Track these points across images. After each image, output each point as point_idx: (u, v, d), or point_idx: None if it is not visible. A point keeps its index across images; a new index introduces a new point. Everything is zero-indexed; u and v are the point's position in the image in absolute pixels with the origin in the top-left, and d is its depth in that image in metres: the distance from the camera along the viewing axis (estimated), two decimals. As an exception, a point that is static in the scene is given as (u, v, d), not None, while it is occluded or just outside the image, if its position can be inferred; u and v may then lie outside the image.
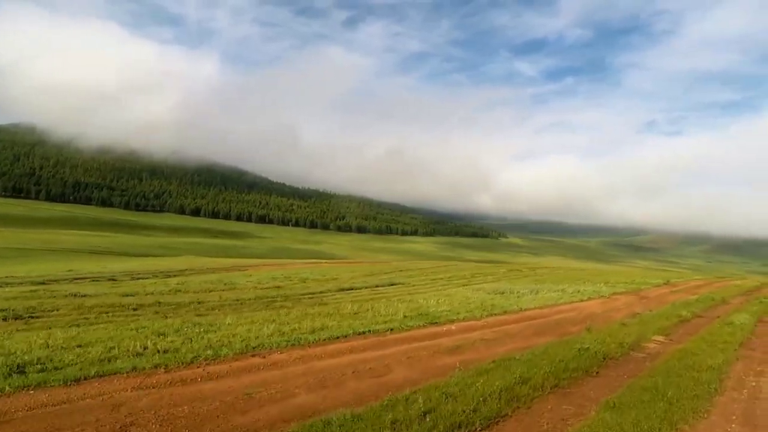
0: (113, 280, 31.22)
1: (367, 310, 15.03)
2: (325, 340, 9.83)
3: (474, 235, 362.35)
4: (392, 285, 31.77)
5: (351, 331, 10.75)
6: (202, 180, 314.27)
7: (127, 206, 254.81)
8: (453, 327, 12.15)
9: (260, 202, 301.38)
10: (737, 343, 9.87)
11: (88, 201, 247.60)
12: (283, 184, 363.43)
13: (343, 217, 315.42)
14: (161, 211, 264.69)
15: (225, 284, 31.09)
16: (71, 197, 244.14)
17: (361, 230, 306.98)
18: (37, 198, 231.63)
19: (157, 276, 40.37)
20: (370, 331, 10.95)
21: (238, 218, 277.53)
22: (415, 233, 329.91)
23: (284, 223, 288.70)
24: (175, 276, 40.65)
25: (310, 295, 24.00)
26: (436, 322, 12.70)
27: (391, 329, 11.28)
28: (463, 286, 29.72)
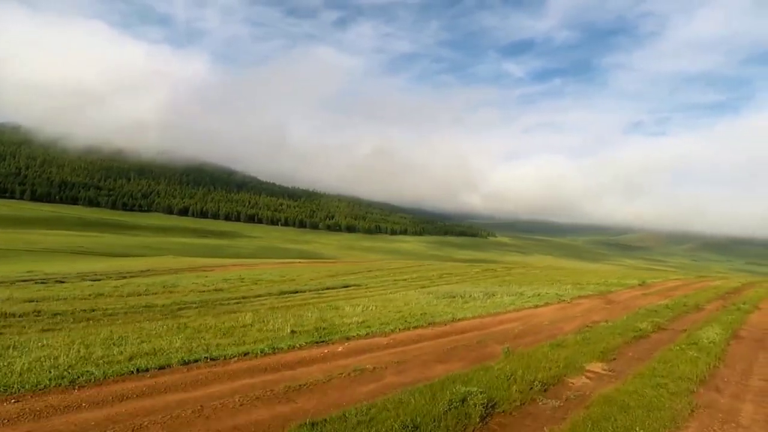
0: (62, 282, 28.85)
1: (265, 321, 12.13)
2: (127, 373, 6.91)
3: (463, 234, 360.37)
4: (345, 287, 28.88)
5: (189, 358, 7.85)
6: (191, 180, 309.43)
7: (114, 206, 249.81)
8: (341, 348, 9.25)
9: (249, 202, 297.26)
10: (698, 378, 7.06)
11: (74, 201, 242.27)
12: (273, 184, 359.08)
13: (333, 217, 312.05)
14: (149, 210, 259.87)
15: (164, 287, 28.15)
16: (57, 197, 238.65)
17: (350, 230, 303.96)
18: (22, 198, 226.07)
19: (110, 277, 37.66)
20: (215, 357, 8.03)
21: (227, 218, 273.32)
22: (404, 232, 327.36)
23: (274, 222, 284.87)
24: (131, 277, 37.81)
25: (236, 300, 21.01)
26: (328, 340, 9.82)
27: (246, 353, 8.35)
28: (421, 287, 26.86)
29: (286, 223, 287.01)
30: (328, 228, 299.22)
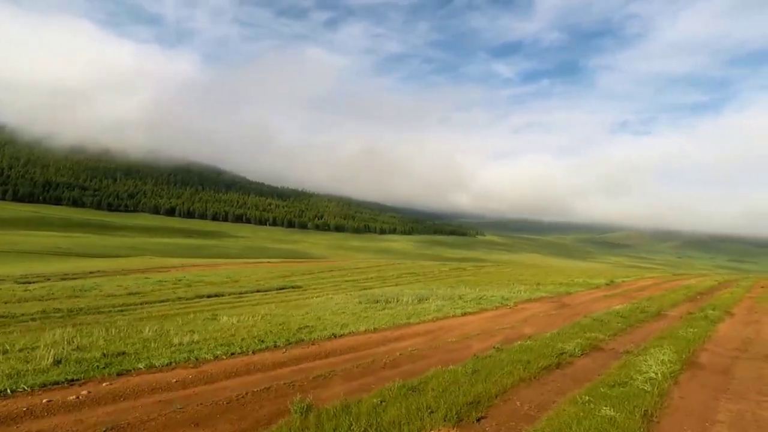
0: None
1: (53, 342, 8.78)
2: None
3: (452, 233, 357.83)
4: (281, 289, 25.54)
5: None
6: (179, 180, 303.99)
7: (99, 206, 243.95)
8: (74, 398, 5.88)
9: (237, 202, 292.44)
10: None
11: (58, 201, 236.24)
12: (262, 184, 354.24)
13: (322, 217, 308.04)
14: (135, 211, 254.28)
15: (76, 291, 24.84)
16: (40, 197, 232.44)
17: (339, 229, 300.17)
18: (3, 198, 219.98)
19: (49, 279, 35.11)
20: None
21: (214, 218, 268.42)
22: (393, 232, 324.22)
23: (262, 222, 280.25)
24: (67, 279, 34.91)
25: (124, 307, 17.57)
26: (82, 379, 6.49)
27: None
28: (363, 289, 23.52)
29: (274, 223, 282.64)
30: (317, 228, 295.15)
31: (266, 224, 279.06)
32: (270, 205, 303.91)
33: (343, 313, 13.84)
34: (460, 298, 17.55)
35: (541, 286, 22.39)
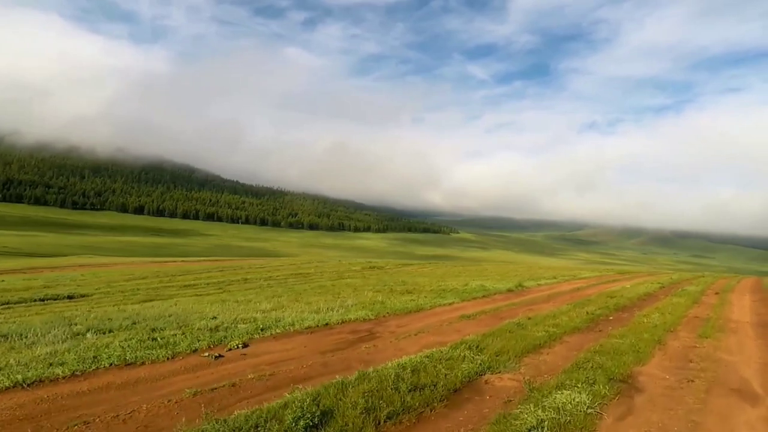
0: None
1: None
2: None
3: (426, 231, 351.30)
4: (43, 301, 17.00)
5: None
6: (150, 178, 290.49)
7: (63, 204, 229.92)
8: None
9: (210, 200, 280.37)
10: None
11: (19, 199, 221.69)
12: (236, 182, 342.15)
13: (296, 215, 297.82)
14: (101, 209, 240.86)
15: None
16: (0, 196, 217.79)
17: (313, 227, 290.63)
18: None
19: None
20: None
21: (185, 216, 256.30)
22: (368, 230, 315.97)
23: (234, 220, 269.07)
24: None
25: None
26: None
27: None
28: (199, 296, 15.30)
29: (246, 221, 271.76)
30: (290, 226, 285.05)
31: (238, 222, 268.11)
32: (243, 203, 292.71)
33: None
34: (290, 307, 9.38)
35: (392, 297, 14.44)
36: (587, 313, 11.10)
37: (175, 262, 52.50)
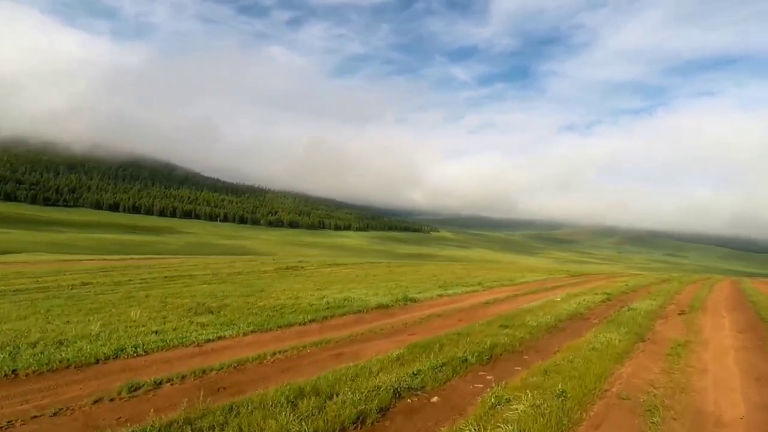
0: None
1: None
2: None
3: (407, 229, 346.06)
4: None
5: None
6: (128, 174, 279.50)
7: (34, 201, 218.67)
8: None
9: (188, 198, 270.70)
10: None
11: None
12: (217, 180, 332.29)
13: (276, 213, 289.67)
14: (75, 206, 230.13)
15: None
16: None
17: (293, 225, 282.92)
18: None
19: None
20: None
21: (162, 213, 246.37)
22: (348, 228, 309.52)
23: (212, 218, 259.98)
24: None
25: None
26: None
27: None
28: None
29: (225, 219, 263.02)
30: (270, 224, 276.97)
31: (217, 220, 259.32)
32: (223, 201, 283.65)
33: None
34: None
35: (184, 320, 8.66)
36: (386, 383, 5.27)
37: (80, 260, 45.81)
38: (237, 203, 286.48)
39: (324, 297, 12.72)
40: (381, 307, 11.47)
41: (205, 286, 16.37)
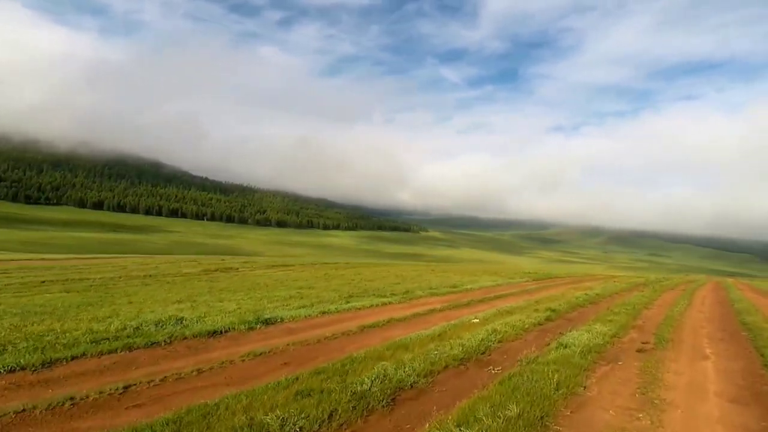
0: None
1: None
2: None
3: (396, 229, 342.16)
4: None
5: None
6: (114, 173, 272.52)
7: (15, 198, 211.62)
8: None
9: (175, 196, 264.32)
10: None
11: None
12: (205, 178, 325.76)
13: (264, 212, 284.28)
14: (58, 204, 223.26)
15: None
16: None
17: (281, 225, 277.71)
18: None
19: None
20: None
21: (147, 212, 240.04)
22: (337, 228, 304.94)
23: (199, 217, 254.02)
24: None
25: None
26: None
27: None
28: None
29: (212, 218, 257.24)
30: (258, 223, 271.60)
31: (204, 219, 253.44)
32: (211, 199, 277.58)
33: None
34: None
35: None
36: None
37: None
38: (225, 202, 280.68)
39: (139, 316, 8.64)
40: (200, 336, 7.45)
41: (24, 299, 12.14)
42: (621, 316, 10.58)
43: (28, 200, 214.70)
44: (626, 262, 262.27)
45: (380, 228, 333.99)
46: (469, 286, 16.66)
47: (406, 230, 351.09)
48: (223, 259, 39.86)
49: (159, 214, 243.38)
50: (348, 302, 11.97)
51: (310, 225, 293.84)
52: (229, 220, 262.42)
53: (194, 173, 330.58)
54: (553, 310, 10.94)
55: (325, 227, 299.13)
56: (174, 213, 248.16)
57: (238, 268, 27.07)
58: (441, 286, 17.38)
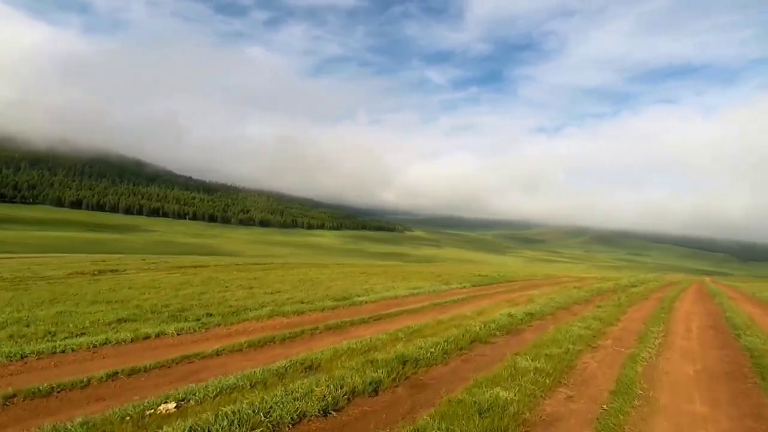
0: None
1: None
2: None
3: (380, 229, 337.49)
4: None
5: None
6: (95, 171, 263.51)
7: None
8: None
9: (157, 195, 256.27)
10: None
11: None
12: (189, 177, 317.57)
13: (248, 211, 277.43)
14: (34, 203, 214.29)
15: None
16: None
17: (265, 224, 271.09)
18: None
19: None
20: None
21: (128, 211, 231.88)
22: (322, 227, 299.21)
23: (181, 216, 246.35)
24: None
25: None
26: None
27: None
28: None
29: (194, 217, 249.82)
30: (241, 222, 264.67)
31: (185, 218, 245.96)
32: (193, 199, 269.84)
33: None
34: None
35: None
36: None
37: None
38: (208, 201, 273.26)
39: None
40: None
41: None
42: (511, 391, 5.55)
43: (3, 199, 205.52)
44: (608, 261, 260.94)
45: (365, 228, 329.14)
46: (362, 298, 11.80)
47: (391, 230, 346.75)
48: (72, 261, 34.78)
49: (140, 213, 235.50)
50: (177, 322, 7.18)
51: (294, 225, 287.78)
52: (212, 219, 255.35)
53: (178, 172, 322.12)
54: (473, 337, 6.28)
55: (310, 227, 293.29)
56: (155, 212, 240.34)
57: (126, 271, 22.13)
58: (322, 298, 12.51)
